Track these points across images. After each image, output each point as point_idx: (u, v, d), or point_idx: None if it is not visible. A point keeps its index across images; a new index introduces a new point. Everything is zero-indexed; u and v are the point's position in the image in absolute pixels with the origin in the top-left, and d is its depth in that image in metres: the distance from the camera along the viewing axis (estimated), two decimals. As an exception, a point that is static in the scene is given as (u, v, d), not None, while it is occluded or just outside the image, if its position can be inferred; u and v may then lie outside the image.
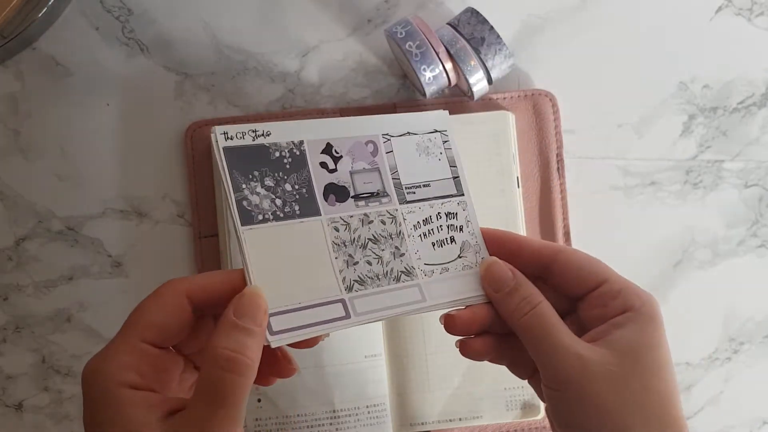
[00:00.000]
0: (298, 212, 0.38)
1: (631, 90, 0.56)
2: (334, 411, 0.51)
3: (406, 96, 0.55)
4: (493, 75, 0.51)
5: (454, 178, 0.43)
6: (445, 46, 0.49)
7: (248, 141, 0.39)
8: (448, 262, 0.41)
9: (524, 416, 0.52)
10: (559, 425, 0.36)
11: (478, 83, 0.51)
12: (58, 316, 0.54)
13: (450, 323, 0.39)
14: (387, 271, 0.40)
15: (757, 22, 0.56)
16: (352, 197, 0.40)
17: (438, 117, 0.43)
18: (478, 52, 0.50)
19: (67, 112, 0.54)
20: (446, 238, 0.42)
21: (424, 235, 0.41)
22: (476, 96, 0.52)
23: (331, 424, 0.51)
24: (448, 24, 0.51)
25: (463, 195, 0.43)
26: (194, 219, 0.53)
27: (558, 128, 0.55)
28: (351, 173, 0.41)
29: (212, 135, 0.38)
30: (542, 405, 0.52)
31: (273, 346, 0.35)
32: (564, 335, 0.36)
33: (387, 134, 0.42)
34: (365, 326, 0.52)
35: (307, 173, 0.39)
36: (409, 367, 0.52)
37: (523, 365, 0.40)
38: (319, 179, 0.39)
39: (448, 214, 0.42)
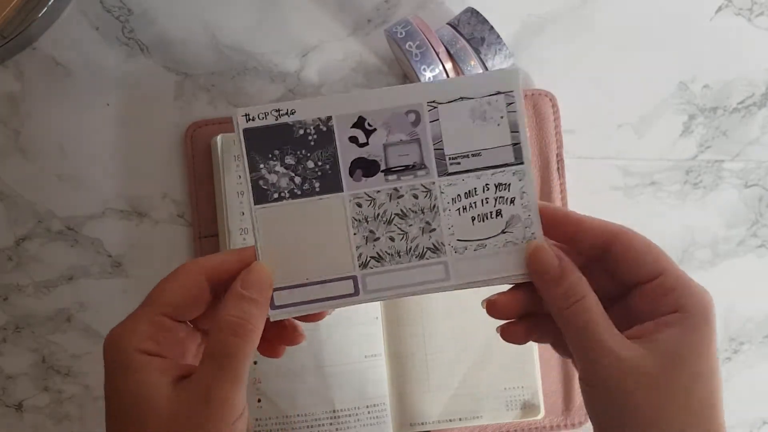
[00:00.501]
0: (317, 189, 0.38)
1: (631, 90, 0.56)
2: (334, 411, 0.51)
3: (406, 96, 0.55)
4: (493, 75, 0.51)
5: (514, 144, 0.39)
6: (445, 46, 0.49)
7: (271, 121, 0.38)
8: (487, 238, 0.38)
9: (524, 416, 0.52)
10: (594, 422, 0.35)
11: (478, 83, 0.51)
12: (58, 316, 0.54)
13: (492, 307, 0.38)
14: (411, 248, 0.38)
15: (757, 22, 0.56)
16: (382, 171, 0.38)
17: (505, 76, 0.38)
18: (478, 52, 0.50)
19: (67, 112, 0.54)
20: (491, 212, 0.39)
21: (464, 208, 0.39)
22: (476, 96, 0.52)
23: (331, 424, 0.51)
24: (448, 24, 0.51)
25: (522, 163, 0.38)
26: (194, 219, 0.53)
27: (558, 128, 0.55)
28: (385, 146, 0.38)
29: (233, 117, 0.37)
30: (542, 405, 0.52)
31: (272, 320, 0.36)
32: (605, 333, 0.34)
33: (433, 101, 0.38)
34: (365, 326, 0.52)
35: (333, 149, 0.38)
36: (409, 367, 0.52)
37: (566, 346, 0.38)
38: (347, 154, 0.38)
39: (498, 186, 0.38)
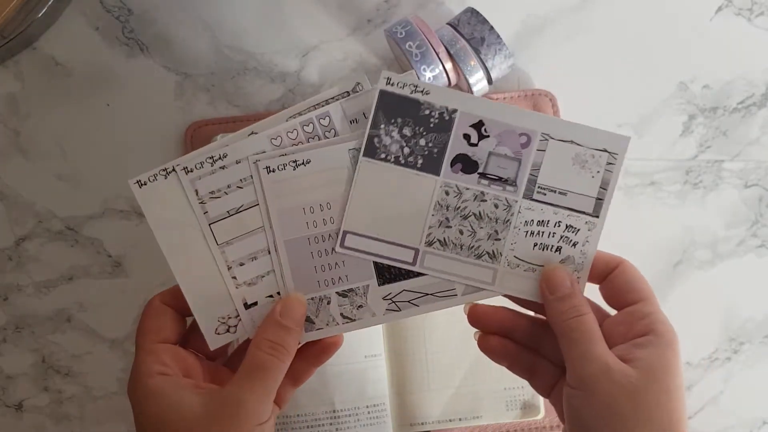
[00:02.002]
0: (419, 165, 0.41)
1: (631, 90, 0.56)
2: (334, 411, 0.51)
3: (406, 96, 0.55)
4: (493, 75, 0.51)
5: (598, 198, 0.42)
6: (445, 46, 0.49)
7: (406, 92, 0.41)
8: (540, 265, 0.42)
9: (524, 416, 0.52)
10: (571, 423, 0.39)
11: (478, 83, 0.51)
12: (58, 316, 0.54)
13: (472, 312, 0.43)
14: (474, 246, 0.42)
15: (757, 22, 0.56)
16: (478, 173, 0.41)
17: (617, 139, 0.42)
18: (478, 52, 0.50)
19: (67, 112, 0.54)
20: (552, 245, 0.42)
21: (532, 233, 0.42)
22: (476, 96, 0.52)
23: (331, 424, 0.51)
24: (448, 24, 0.51)
25: (597, 217, 0.42)
26: (194, 219, 0.53)
27: (558, 128, 0.55)
28: (490, 153, 0.41)
29: (380, 77, 0.40)
30: (542, 405, 0.52)
31: (302, 342, 0.41)
32: (599, 345, 0.39)
33: (547, 134, 0.42)
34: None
35: (447, 137, 0.41)
36: (409, 367, 0.52)
37: (535, 376, 0.43)
38: (455, 147, 0.41)
39: (568, 227, 0.42)
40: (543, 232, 0.42)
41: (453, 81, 0.51)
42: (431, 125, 0.41)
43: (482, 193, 0.41)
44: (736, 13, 0.56)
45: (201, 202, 0.39)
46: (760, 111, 0.56)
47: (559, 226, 0.42)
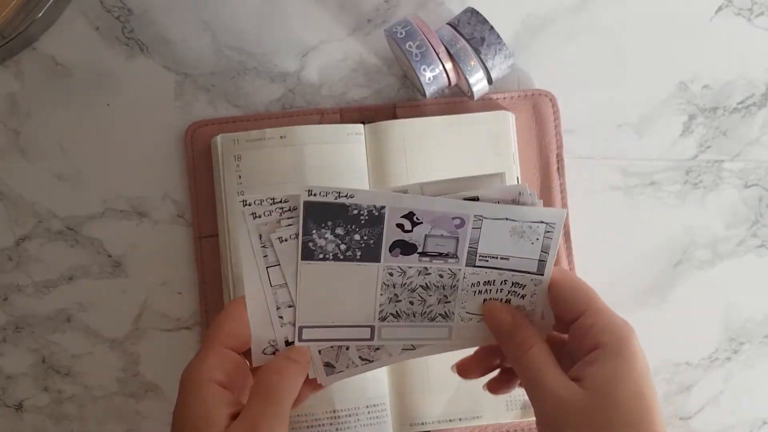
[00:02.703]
0: (358, 257, 0.41)
1: (631, 90, 0.56)
2: (334, 411, 0.51)
3: (406, 96, 0.55)
4: (493, 75, 0.51)
5: (540, 260, 0.43)
6: (445, 46, 0.49)
7: (330, 199, 0.41)
8: None
9: (524, 416, 0.52)
10: None
11: (478, 83, 0.51)
12: (58, 316, 0.54)
13: (460, 371, 0.45)
14: (425, 311, 0.43)
15: (757, 22, 0.56)
16: (418, 253, 0.42)
17: (554, 214, 0.42)
18: (478, 52, 0.50)
19: (67, 112, 0.54)
20: (501, 299, 0.43)
21: (479, 291, 0.43)
22: (476, 96, 0.52)
23: (331, 424, 0.51)
24: (448, 24, 0.51)
25: (542, 275, 0.43)
26: (194, 219, 0.53)
27: (558, 128, 0.55)
28: (426, 236, 0.42)
29: (301, 192, 0.41)
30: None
31: (297, 344, 0.42)
32: (550, 378, 0.38)
33: (480, 215, 0.42)
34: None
35: (380, 229, 0.41)
36: (409, 367, 0.52)
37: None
38: (391, 235, 0.41)
39: (515, 284, 0.43)
40: (491, 290, 0.43)
41: (453, 81, 0.51)
42: (362, 222, 0.41)
43: (425, 268, 0.42)
44: (736, 13, 0.56)
45: (263, 246, 0.41)
46: (760, 111, 0.56)
47: (505, 284, 0.43)
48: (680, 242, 0.56)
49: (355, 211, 0.42)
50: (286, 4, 0.55)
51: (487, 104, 0.54)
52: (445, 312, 0.44)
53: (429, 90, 0.50)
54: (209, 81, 0.54)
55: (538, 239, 0.42)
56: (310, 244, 0.42)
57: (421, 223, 0.42)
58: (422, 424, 0.52)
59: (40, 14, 0.51)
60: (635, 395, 0.37)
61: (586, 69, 0.56)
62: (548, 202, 0.54)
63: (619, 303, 0.55)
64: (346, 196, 0.41)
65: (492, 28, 0.50)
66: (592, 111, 0.56)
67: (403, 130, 0.53)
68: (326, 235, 0.42)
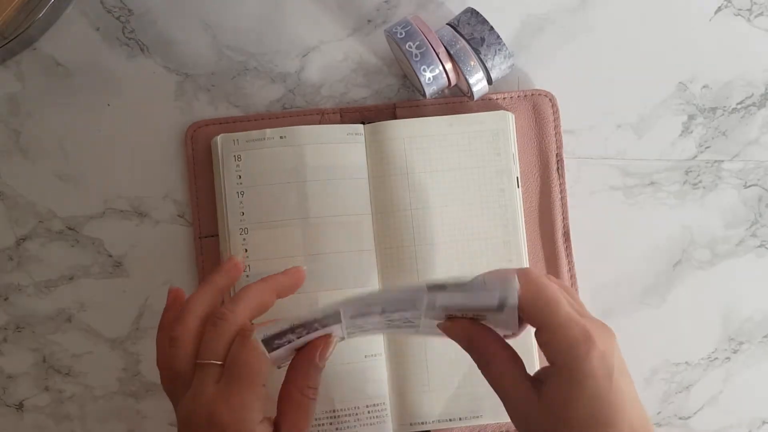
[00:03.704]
0: (317, 328, 0.41)
1: (631, 90, 0.56)
2: (334, 411, 0.51)
3: (406, 96, 0.55)
4: (493, 75, 0.51)
5: (499, 305, 0.40)
6: (445, 47, 0.50)
7: (285, 326, 0.41)
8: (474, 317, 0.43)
9: (524, 416, 0.52)
10: None
11: (478, 83, 0.51)
12: (59, 316, 0.54)
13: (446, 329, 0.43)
14: (391, 325, 0.44)
15: (756, 22, 0.56)
16: (379, 314, 0.41)
17: (505, 287, 0.39)
18: (477, 52, 0.50)
19: (67, 112, 0.54)
20: (467, 316, 0.42)
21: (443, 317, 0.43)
22: (476, 96, 0.52)
23: (331, 424, 0.51)
24: (448, 24, 0.51)
25: (502, 310, 0.40)
26: (194, 219, 0.54)
27: (558, 128, 0.55)
28: (383, 310, 0.42)
29: (253, 339, 0.41)
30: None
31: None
32: (511, 391, 0.40)
33: (434, 301, 0.41)
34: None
35: (339, 324, 0.41)
36: (409, 367, 0.52)
37: None
38: (348, 321, 0.42)
39: (477, 315, 0.42)
40: (454, 315, 0.42)
41: (453, 81, 0.51)
42: (316, 329, 0.41)
43: (390, 320, 0.42)
44: (735, 13, 0.56)
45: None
46: (759, 111, 0.56)
47: (466, 315, 0.42)
48: (679, 242, 0.56)
49: (316, 326, 0.41)
50: (286, 4, 0.55)
51: (487, 104, 0.54)
52: (411, 325, 0.44)
53: (429, 90, 0.50)
54: (210, 81, 0.55)
55: (495, 296, 0.39)
56: (270, 350, 0.42)
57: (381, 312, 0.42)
58: (422, 423, 0.52)
59: (41, 14, 0.51)
60: (587, 416, 0.37)
61: (586, 69, 0.56)
62: (548, 202, 0.54)
63: (619, 303, 0.55)
64: (296, 327, 0.41)
65: (492, 28, 0.50)
66: (592, 111, 0.56)
67: (403, 130, 0.53)
68: (287, 344, 0.42)
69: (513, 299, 0.38)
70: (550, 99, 0.55)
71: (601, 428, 0.37)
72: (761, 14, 0.56)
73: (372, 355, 0.52)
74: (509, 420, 0.52)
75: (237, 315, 0.42)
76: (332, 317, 0.40)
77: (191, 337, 0.42)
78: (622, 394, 0.37)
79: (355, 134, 0.53)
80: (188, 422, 0.40)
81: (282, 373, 0.43)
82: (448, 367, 0.52)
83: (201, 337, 0.42)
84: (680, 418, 0.56)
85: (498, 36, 0.50)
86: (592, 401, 0.37)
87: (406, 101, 0.55)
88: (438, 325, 0.42)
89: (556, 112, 0.55)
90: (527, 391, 0.39)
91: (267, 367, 0.41)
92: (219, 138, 0.52)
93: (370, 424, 0.52)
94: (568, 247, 0.54)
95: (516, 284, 0.38)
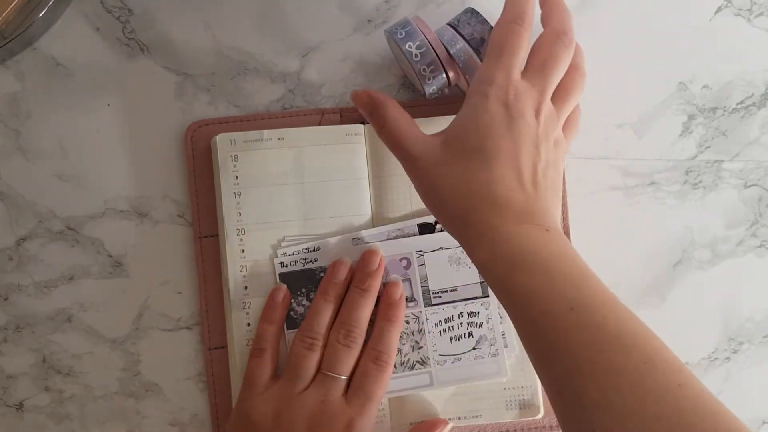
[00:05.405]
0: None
1: (631, 90, 0.56)
2: (334, 411, 0.52)
3: (406, 96, 0.55)
4: (493, 75, 0.51)
5: (481, 282, 0.51)
6: (445, 47, 0.50)
7: (299, 267, 0.51)
8: (462, 353, 0.51)
9: (523, 416, 0.52)
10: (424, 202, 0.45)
11: (477, 83, 0.51)
12: (59, 316, 0.54)
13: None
14: (404, 361, 0.51)
15: (756, 22, 0.56)
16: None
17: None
18: (478, 52, 0.50)
19: (67, 112, 0.54)
20: (464, 333, 0.51)
21: (444, 331, 0.51)
22: (476, 96, 0.52)
23: (331, 423, 0.52)
24: (448, 24, 0.51)
25: (487, 297, 0.51)
26: (194, 219, 0.54)
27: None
28: (384, 284, 0.51)
29: (273, 262, 0.51)
30: (542, 405, 0.52)
31: None
32: (406, 140, 0.45)
33: (421, 251, 0.51)
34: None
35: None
36: (409, 367, 0.53)
37: None
38: None
39: (470, 313, 0.51)
40: (452, 326, 0.51)
41: (453, 81, 0.51)
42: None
43: None
44: (735, 13, 0.56)
45: None
46: (759, 111, 0.56)
47: (462, 316, 0.51)
48: (680, 242, 0.56)
49: (322, 274, 0.50)
50: (286, 4, 0.55)
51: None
52: (422, 358, 0.50)
53: (429, 90, 0.50)
54: (210, 81, 0.55)
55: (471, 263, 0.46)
56: (292, 313, 0.50)
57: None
58: (422, 423, 0.52)
59: (41, 15, 0.51)
60: (475, 148, 0.43)
61: (586, 69, 0.55)
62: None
63: (619, 303, 0.55)
64: (311, 260, 0.50)
65: (492, 28, 0.50)
66: (592, 111, 0.56)
67: (403, 130, 0.53)
68: (303, 302, 0.50)
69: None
70: (550, 99, 0.55)
71: (481, 160, 0.43)
72: (761, 14, 0.56)
73: (372, 355, 0.52)
74: (509, 420, 0.52)
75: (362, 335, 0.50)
76: None
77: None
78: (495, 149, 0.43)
79: (355, 134, 0.53)
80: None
81: None
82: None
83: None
84: (680, 419, 0.55)
85: (498, 36, 0.50)
86: (479, 128, 0.43)
87: (406, 101, 0.55)
88: (350, 94, 0.48)
89: (556, 112, 0.55)
90: (424, 137, 0.45)
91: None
92: (217, 138, 0.52)
93: (370, 424, 0.52)
94: (568, 247, 0.54)
95: None
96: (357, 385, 0.48)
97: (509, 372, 0.51)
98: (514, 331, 0.50)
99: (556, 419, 0.53)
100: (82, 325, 0.54)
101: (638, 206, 0.56)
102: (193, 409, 0.54)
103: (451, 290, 0.51)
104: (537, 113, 0.44)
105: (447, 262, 0.51)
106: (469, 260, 0.47)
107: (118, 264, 0.54)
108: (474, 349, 0.51)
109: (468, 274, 0.51)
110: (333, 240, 0.50)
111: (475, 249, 0.41)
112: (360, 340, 0.49)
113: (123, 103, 0.54)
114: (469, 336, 0.51)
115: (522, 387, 0.52)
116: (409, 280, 0.51)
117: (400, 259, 0.51)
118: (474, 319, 0.50)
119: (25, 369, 0.54)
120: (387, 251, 0.51)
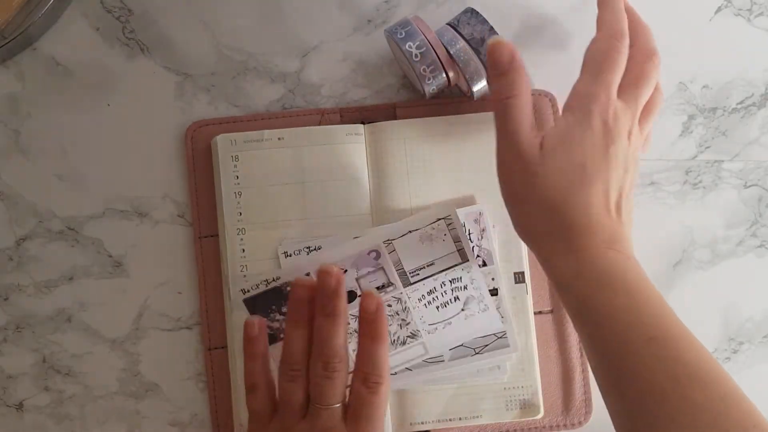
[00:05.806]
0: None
1: (631, 90, 0.56)
2: (334, 411, 0.52)
3: (406, 96, 0.55)
4: (493, 75, 0.51)
5: (459, 250, 0.50)
6: (445, 47, 0.50)
7: (262, 288, 0.49)
8: (452, 317, 0.50)
9: (523, 416, 0.52)
10: (507, 193, 0.45)
11: (478, 83, 0.51)
12: (59, 316, 0.54)
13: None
14: (394, 339, 0.50)
15: (756, 22, 0.56)
16: (359, 296, 0.46)
17: (441, 207, 0.50)
18: (478, 52, 0.50)
19: (67, 112, 0.54)
20: (450, 299, 0.50)
21: (429, 302, 0.50)
22: (476, 96, 0.52)
23: (331, 423, 0.51)
24: (448, 24, 0.51)
25: (467, 261, 0.50)
26: (194, 219, 0.54)
27: (558, 128, 0.55)
28: (357, 279, 0.49)
29: (232, 293, 0.50)
30: (542, 405, 0.52)
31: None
32: (520, 130, 0.43)
33: (388, 240, 0.49)
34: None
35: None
36: (409, 367, 0.52)
37: None
38: None
39: (452, 280, 0.50)
40: (436, 296, 0.50)
41: (453, 81, 0.51)
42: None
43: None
44: (735, 13, 0.56)
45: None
46: (759, 111, 0.56)
47: (444, 285, 0.50)
48: (680, 242, 0.56)
49: (288, 288, 0.48)
50: (286, 4, 0.55)
51: (487, 104, 0.54)
52: (411, 332, 0.50)
53: (429, 90, 0.50)
54: (209, 81, 0.55)
55: (446, 235, 0.49)
56: (269, 330, 0.49)
57: (346, 271, 0.49)
58: (422, 423, 0.52)
59: (41, 14, 0.51)
60: (580, 164, 0.42)
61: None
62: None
63: (619, 303, 0.55)
64: (273, 279, 0.48)
65: (492, 28, 0.50)
66: (592, 111, 0.55)
67: (403, 130, 0.53)
68: (277, 317, 0.49)
69: (456, 218, 0.50)
70: (550, 99, 0.55)
71: (580, 174, 0.42)
72: (761, 14, 0.56)
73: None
74: (509, 420, 0.52)
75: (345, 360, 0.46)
76: None
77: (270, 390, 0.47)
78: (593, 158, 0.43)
79: (355, 134, 0.53)
80: None
81: None
82: (448, 367, 0.53)
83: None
84: (680, 418, 0.55)
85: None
86: (584, 142, 0.43)
87: (406, 101, 0.55)
88: (490, 42, 0.44)
89: (556, 112, 0.55)
90: (533, 139, 0.43)
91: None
92: (218, 138, 0.52)
93: (370, 424, 0.52)
94: (568, 247, 0.54)
95: (453, 203, 0.50)
96: (354, 414, 0.44)
97: (503, 324, 0.51)
98: (516, 330, 0.51)
99: (556, 419, 0.53)
100: (82, 325, 0.54)
101: (638, 206, 0.56)
102: (193, 409, 0.54)
103: (428, 265, 0.50)
104: (629, 135, 0.44)
105: (419, 241, 0.50)
106: (442, 234, 0.48)
107: (118, 264, 0.54)
108: (463, 310, 0.50)
109: (443, 246, 0.50)
110: (333, 240, 0.50)
111: (559, 264, 0.42)
112: (342, 366, 0.44)
113: (123, 103, 0.54)
114: (455, 300, 0.50)
115: (522, 387, 0.52)
116: (383, 268, 0.50)
117: (369, 252, 0.49)
118: (457, 284, 0.50)
119: (25, 369, 0.54)
120: (353, 249, 0.49)
